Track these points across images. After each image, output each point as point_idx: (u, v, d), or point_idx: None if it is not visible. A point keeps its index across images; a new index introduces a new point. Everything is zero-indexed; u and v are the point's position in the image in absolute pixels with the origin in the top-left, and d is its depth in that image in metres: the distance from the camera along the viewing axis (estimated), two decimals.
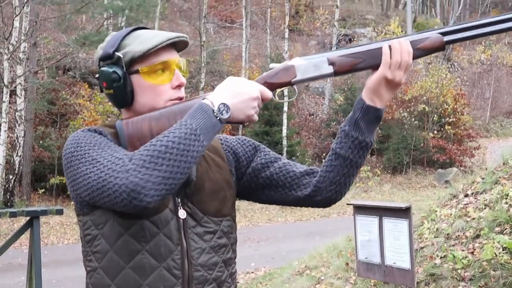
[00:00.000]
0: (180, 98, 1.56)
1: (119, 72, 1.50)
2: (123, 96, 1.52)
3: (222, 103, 1.40)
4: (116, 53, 1.51)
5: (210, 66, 26.32)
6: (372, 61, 1.53)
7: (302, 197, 1.67)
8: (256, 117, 1.48)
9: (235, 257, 1.67)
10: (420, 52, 1.54)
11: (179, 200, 1.53)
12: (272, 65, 1.59)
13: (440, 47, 1.55)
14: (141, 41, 1.51)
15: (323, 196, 1.65)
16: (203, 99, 1.43)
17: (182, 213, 1.52)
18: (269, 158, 1.72)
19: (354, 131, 1.56)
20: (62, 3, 19.85)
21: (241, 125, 23.44)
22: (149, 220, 1.46)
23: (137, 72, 1.51)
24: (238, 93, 1.44)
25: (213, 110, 1.39)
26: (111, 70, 1.50)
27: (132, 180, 1.28)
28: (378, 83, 1.52)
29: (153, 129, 1.48)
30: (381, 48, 1.52)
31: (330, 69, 1.56)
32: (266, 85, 1.55)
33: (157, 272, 1.46)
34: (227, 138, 1.76)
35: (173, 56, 1.55)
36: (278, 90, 1.60)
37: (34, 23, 16.41)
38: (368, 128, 1.56)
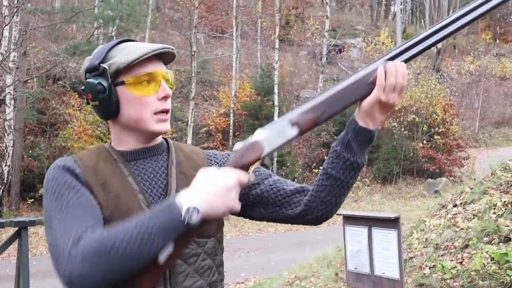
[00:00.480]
0: (166, 110, 1.54)
1: (104, 83, 1.49)
2: (108, 108, 1.51)
3: (193, 206, 1.30)
4: (101, 64, 1.50)
5: (200, 76, 26.35)
6: (334, 109, 1.49)
7: (292, 216, 1.65)
8: (238, 206, 1.40)
9: (222, 279, 1.64)
10: (372, 87, 1.48)
11: None
12: (236, 146, 1.52)
13: None
14: (126, 52, 1.50)
15: (314, 215, 1.64)
16: (175, 197, 1.35)
17: None
18: (260, 175, 1.70)
19: (346, 152, 1.55)
20: (52, 13, 19.84)
21: (231, 134, 23.46)
22: None
23: (122, 83, 1.50)
24: (213, 188, 1.35)
25: (181, 213, 1.30)
26: (96, 81, 1.49)
27: (70, 271, 1.26)
28: (372, 106, 1.49)
29: None
30: (338, 93, 1.49)
31: (295, 131, 1.50)
32: (237, 168, 1.47)
33: None
34: (216, 155, 1.73)
35: (159, 68, 1.54)
36: (251, 168, 1.51)
37: (24, 33, 16.37)
38: (360, 149, 1.55)
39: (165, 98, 1.53)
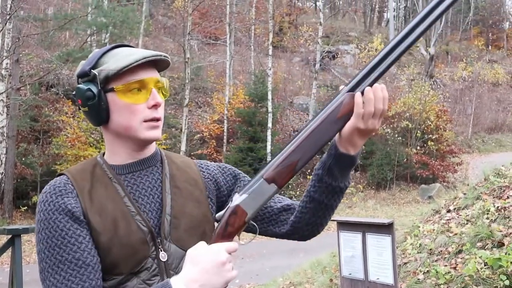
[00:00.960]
0: (157, 119, 1.52)
1: (94, 90, 1.47)
2: (97, 114, 1.50)
3: None
4: (92, 70, 1.48)
5: (194, 82, 26.37)
6: (308, 154, 1.45)
7: (280, 234, 1.68)
8: (234, 274, 1.41)
9: None
10: (342, 120, 1.43)
11: (159, 241, 1.49)
12: (218, 215, 1.50)
13: (358, 102, 1.43)
14: (117, 59, 1.48)
15: (300, 234, 1.67)
16: (169, 281, 1.35)
17: (163, 256, 1.48)
18: None
19: (327, 176, 1.52)
20: (45, 20, 19.80)
21: (225, 140, 23.46)
22: (130, 272, 1.44)
23: (112, 90, 1.48)
24: (205, 269, 1.36)
25: None
26: (86, 87, 1.48)
27: None
28: (351, 134, 1.45)
29: None
30: (309, 137, 1.44)
31: (273, 187, 1.46)
32: (225, 239, 1.47)
33: None
34: (208, 165, 1.72)
35: (151, 75, 1.51)
36: (238, 234, 1.51)
37: (17, 40, 16.33)
38: (341, 174, 1.52)
39: (155, 106, 1.51)
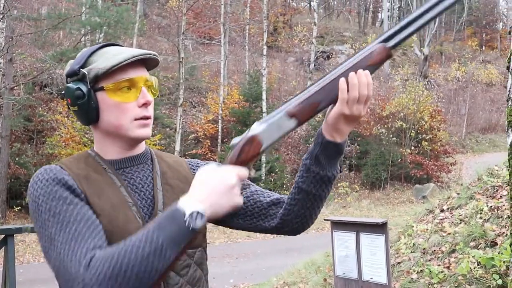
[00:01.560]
0: (147, 117, 1.51)
1: (84, 89, 1.47)
2: (87, 113, 1.50)
3: (196, 211, 1.29)
4: (81, 69, 1.48)
5: (188, 82, 26.34)
6: (331, 96, 1.45)
7: (269, 228, 1.66)
8: (241, 201, 1.39)
9: (208, 286, 1.65)
10: (371, 68, 1.44)
11: None
12: (233, 141, 1.49)
13: (388, 55, 1.45)
14: (107, 57, 1.48)
15: (290, 227, 1.65)
16: (178, 202, 1.33)
17: None
18: None
19: (314, 166, 1.52)
20: (38, 19, 19.73)
21: (219, 140, 23.45)
22: None
23: (102, 89, 1.48)
24: (216, 188, 1.35)
25: (185, 220, 1.28)
26: (75, 86, 1.47)
27: None
28: (337, 119, 1.45)
29: None
30: (336, 80, 1.43)
31: (293, 123, 1.46)
32: (237, 165, 1.46)
33: None
34: (198, 164, 1.73)
35: (140, 74, 1.51)
36: (250, 164, 1.49)
37: (10, 39, 16.27)
38: (329, 162, 1.52)
39: (145, 105, 1.50)
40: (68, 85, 1.50)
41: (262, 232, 1.70)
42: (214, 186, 1.35)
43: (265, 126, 1.47)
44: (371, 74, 1.45)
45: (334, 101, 1.45)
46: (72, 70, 1.50)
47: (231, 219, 1.69)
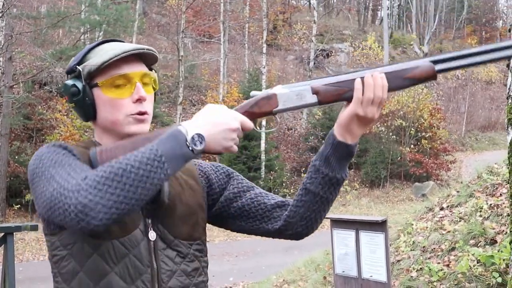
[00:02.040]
0: (142, 113, 1.51)
1: (79, 85, 1.48)
2: (84, 110, 1.50)
3: (197, 134, 1.32)
4: (77, 66, 1.49)
5: (188, 80, 26.33)
6: None
7: (272, 231, 1.64)
8: (235, 148, 1.41)
9: (207, 280, 1.64)
10: (409, 81, 1.45)
11: (150, 221, 1.49)
12: (253, 93, 1.51)
13: (432, 76, 1.46)
14: (101, 54, 1.48)
15: (294, 231, 1.62)
16: (179, 125, 1.36)
17: (152, 235, 1.48)
18: (242, 187, 1.68)
19: (324, 167, 1.51)
20: (38, 18, 19.72)
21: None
22: (118, 240, 1.42)
23: (96, 85, 1.48)
24: (217, 123, 1.36)
25: (186, 139, 1.32)
26: (71, 83, 1.49)
27: (81, 201, 1.23)
28: (350, 120, 1.46)
29: None
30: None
31: (314, 99, 1.48)
32: (246, 114, 1.48)
33: None
34: (201, 164, 1.72)
35: (136, 69, 1.51)
36: (259, 120, 1.53)
37: (10, 38, 16.24)
38: (339, 164, 1.51)
39: (139, 100, 1.50)
40: (66, 82, 1.51)
41: (264, 235, 1.67)
42: (215, 121, 1.37)
43: (287, 90, 1.49)
44: (408, 87, 1.48)
45: None
46: (70, 67, 1.52)
47: (233, 221, 1.68)
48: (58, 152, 1.41)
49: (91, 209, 1.23)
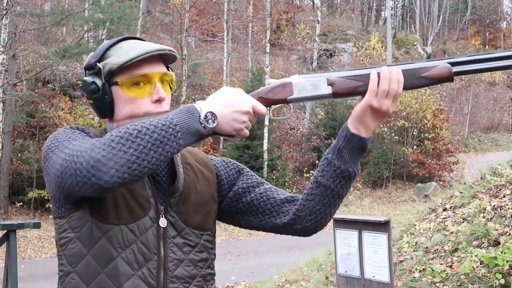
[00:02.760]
0: (160, 113, 1.50)
1: (99, 83, 1.48)
2: (102, 107, 1.51)
3: (210, 112, 1.35)
4: (97, 63, 1.49)
5: (191, 79, 26.34)
6: None
7: (281, 225, 1.63)
8: (246, 132, 1.43)
9: (214, 274, 1.64)
10: (425, 80, 1.47)
11: (163, 208, 1.50)
12: (268, 80, 1.54)
13: (448, 78, 1.48)
14: (121, 52, 1.49)
15: (302, 225, 1.60)
16: (194, 103, 1.39)
17: (163, 222, 1.49)
18: (251, 182, 1.68)
19: (337, 159, 1.51)
20: (42, 15, 19.73)
21: (222, 138, 23.44)
22: (126, 226, 1.44)
23: (116, 83, 1.49)
24: (229, 105, 1.38)
25: (200, 116, 1.34)
26: (90, 80, 1.49)
27: (94, 156, 1.25)
28: (364, 111, 1.46)
29: None
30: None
31: (328, 90, 1.50)
32: (260, 100, 1.49)
33: (131, 281, 1.43)
34: (211, 159, 1.73)
35: (156, 69, 1.52)
36: (273, 107, 1.55)
37: (13, 35, 16.27)
38: (351, 158, 1.51)
39: (158, 101, 1.51)
40: (84, 78, 1.52)
41: (272, 230, 1.67)
42: (226, 103, 1.39)
43: (303, 80, 1.51)
44: (424, 87, 1.50)
45: None
46: (89, 64, 1.51)
47: (242, 217, 1.68)
48: (74, 132, 1.44)
49: (103, 164, 1.25)
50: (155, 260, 1.46)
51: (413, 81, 1.48)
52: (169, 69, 1.60)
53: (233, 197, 1.67)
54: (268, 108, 1.52)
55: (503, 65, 1.47)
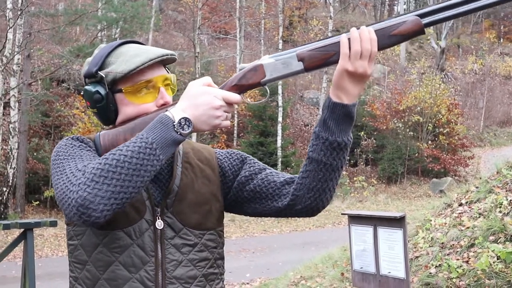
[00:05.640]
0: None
1: (102, 92, 1.49)
2: (106, 115, 1.52)
3: (184, 118, 1.35)
4: (99, 72, 1.49)
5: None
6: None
7: (282, 208, 1.60)
8: (224, 123, 1.42)
9: (222, 273, 1.63)
10: (397, 38, 1.43)
11: (159, 210, 1.50)
12: (240, 65, 1.53)
13: (419, 31, 1.43)
14: (124, 60, 1.49)
15: (303, 204, 1.57)
16: (165, 111, 1.39)
17: (159, 224, 1.49)
18: (254, 170, 1.67)
19: (324, 131, 1.47)
20: (55, 15, 19.86)
21: (235, 135, 23.47)
22: (122, 230, 1.45)
23: (120, 91, 1.50)
24: (200, 104, 1.38)
25: (174, 125, 1.35)
26: (93, 89, 1.49)
27: (81, 195, 1.27)
28: (340, 77, 1.41)
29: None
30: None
31: (300, 66, 1.47)
32: (235, 87, 1.49)
33: (129, 284, 1.44)
34: (216, 151, 1.73)
35: (158, 73, 1.53)
36: (249, 92, 1.55)
37: (28, 35, 16.41)
38: (338, 127, 1.46)
39: (163, 105, 1.52)
40: (86, 87, 1.51)
41: (277, 214, 1.65)
42: (197, 103, 1.38)
43: (273, 60, 1.50)
44: (396, 44, 1.46)
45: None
46: (90, 72, 1.51)
47: (248, 205, 1.67)
48: (74, 145, 1.45)
49: (90, 202, 1.27)
50: (152, 262, 1.47)
51: (384, 41, 1.43)
52: (167, 71, 1.60)
53: (237, 187, 1.66)
54: (242, 94, 1.51)
55: (471, 8, 1.41)
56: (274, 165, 20.62)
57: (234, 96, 1.44)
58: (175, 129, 1.35)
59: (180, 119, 1.35)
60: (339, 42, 1.44)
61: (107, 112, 1.51)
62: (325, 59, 1.46)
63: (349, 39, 1.42)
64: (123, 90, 1.49)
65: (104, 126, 1.57)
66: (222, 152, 1.72)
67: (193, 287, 1.51)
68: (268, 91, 1.57)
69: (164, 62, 1.57)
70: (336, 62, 1.44)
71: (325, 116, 1.46)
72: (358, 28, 1.44)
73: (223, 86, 1.50)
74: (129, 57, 1.48)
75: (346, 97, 1.44)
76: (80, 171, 1.33)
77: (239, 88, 1.49)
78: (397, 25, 1.43)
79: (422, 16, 1.43)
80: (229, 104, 1.44)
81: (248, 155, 1.74)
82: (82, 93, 1.53)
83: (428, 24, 1.43)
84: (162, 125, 1.34)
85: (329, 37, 1.47)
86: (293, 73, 1.50)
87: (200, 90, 1.41)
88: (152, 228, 1.48)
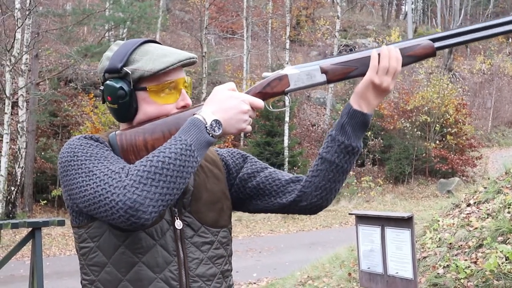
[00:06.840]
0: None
1: (126, 88, 1.48)
2: (126, 112, 1.52)
3: (215, 120, 1.40)
4: (124, 68, 1.49)
5: (211, 77, 26.39)
6: (365, 69, 1.55)
7: (287, 204, 1.67)
8: (248, 128, 1.49)
9: (232, 270, 1.67)
10: (410, 59, 1.56)
11: (176, 210, 1.53)
12: (264, 74, 1.60)
13: (431, 53, 1.57)
14: (151, 58, 1.49)
15: (308, 201, 1.65)
16: (194, 114, 1.42)
17: (178, 224, 1.51)
18: (256, 168, 1.73)
19: (340, 135, 1.56)
20: (63, 15, 19.95)
21: (242, 135, 23.47)
22: (144, 231, 1.46)
23: (144, 89, 1.50)
24: (229, 108, 1.43)
25: (206, 127, 1.39)
26: (117, 85, 1.48)
27: (129, 197, 1.28)
28: (365, 88, 1.53)
29: (148, 142, 1.47)
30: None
31: (323, 78, 1.58)
32: (259, 95, 1.56)
33: (154, 284, 1.46)
34: (217, 150, 1.77)
35: (180, 75, 1.55)
36: (271, 100, 1.62)
37: (36, 35, 16.46)
38: (354, 133, 1.56)
39: (184, 107, 1.55)
40: (109, 82, 1.50)
41: (279, 210, 1.71)
42: (226, 107, 1.44)
43: (298, 71, 1.58)
44: (409, 64, 1.57)
45: (365, 73, 1.55)
46: (114, 67, 1.50)
47: (250, 202, 1.72)
48: (91, 145, 1.44)
49: (141, 204, 1.29)
50: (175, 262, 1.49)
51: (402, 60, 1.56)
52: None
53: (239, 183, 1.71)
54: (266, 100, 1.58)
55: (480, 36, 1.56)
56: (281, 165, 20.61)
57: (259, 102, 1.51)
58: (208, 131, 1.39)
59: (211, 122, 1.40)
60: (360, 58, 1.55)
61: (128, 109, 1.51)
62: (347, 73, 1.57)
63: (379, 54, 1.52)
64: (148, 89, 1.50)
65: (113, 125, 1.57)
66: (223, 151, 1.77)
67: (214, 284, 1.55)
68: (290, 100, 1.69)
69: (184, 64, 1.58)
70: (356, 76, 1.57)
71: (344, 121, 1.56)
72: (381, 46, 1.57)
73: (247, 92, 1.56)
74: (156, 56, 1.50)
75: (367, 107, 1.55)
76: (117, 173, 1.33)
77: (263, 96, 1.57)
78: (413, 47, 1.56)
79: (434, 40, 1.57)
80: (253, 109, 1.50)
81: (249, 154, 1.80)
82: (102, 89, 1.53)
83: (440, 48, 1.58)
84: (195, 127, 1.39)
85: (353, 53, 1.58)
86: (316, 84, 1.60)
87: (228, 94, 1.46)
88: (172, 228, 1.51)
